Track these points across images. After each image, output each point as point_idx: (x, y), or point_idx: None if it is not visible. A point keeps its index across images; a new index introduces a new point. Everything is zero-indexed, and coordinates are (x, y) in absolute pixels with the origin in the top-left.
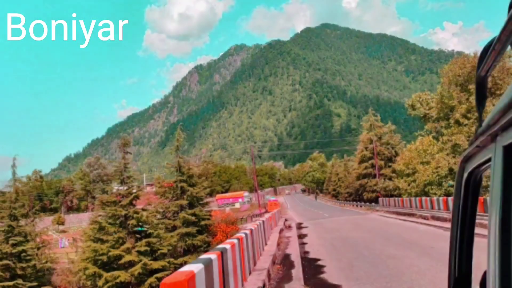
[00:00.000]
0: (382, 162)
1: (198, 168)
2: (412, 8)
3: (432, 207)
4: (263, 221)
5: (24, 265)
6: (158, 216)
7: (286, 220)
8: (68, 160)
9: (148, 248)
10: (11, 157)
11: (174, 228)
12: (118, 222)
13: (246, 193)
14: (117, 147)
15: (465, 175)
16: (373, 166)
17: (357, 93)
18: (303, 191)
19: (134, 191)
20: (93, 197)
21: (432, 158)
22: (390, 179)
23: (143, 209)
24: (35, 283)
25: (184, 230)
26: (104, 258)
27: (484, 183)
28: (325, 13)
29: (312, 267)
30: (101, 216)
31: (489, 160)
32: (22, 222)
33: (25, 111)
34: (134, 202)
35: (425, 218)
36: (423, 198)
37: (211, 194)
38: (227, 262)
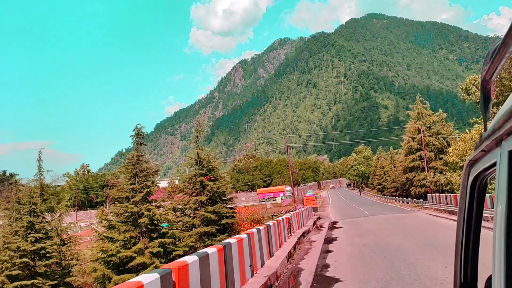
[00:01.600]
0: (432, 154)
1: (240, 161)
2: None
3: (493, 206)
4: (268, 226)
5: (43, 263)
6: (178, 213)
7: (318, 218)
8: (120, 155)
9: (161, 249)
10: (74, 153)
11: (193, 227)
12: (130, 220)
13: (288, 187)
14: (165, 142)
15: (471, 179)
16: (421, 158)
17: (405, 83)
18: (348, 185)
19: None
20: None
21: None
22: (441, 172)
23: (157, 206)
24: (55, 282)
25: (203, 229)
26: (115, 259)
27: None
28: (371, 3)
29: None
30: (112, 213)
31: (494, 164)
32: (48, 217)
33: (83, 109)
34: (149, 198)
35: (485, 219)
36: None
37: (252, 188)
38: None
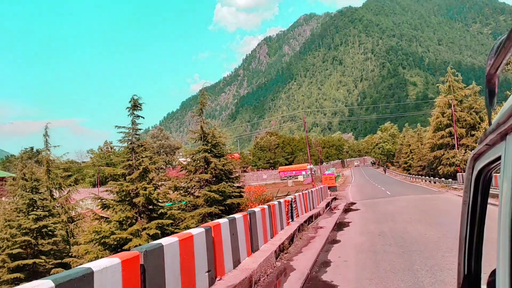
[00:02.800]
0: (463, 130)
1: (262, 138)
2: None
3: None
4: (250, 214)
5: (46, 241)
6: (182, 192)
7: (334, 199)
8: (146, 132)
9: (158, 231)
10: (104, 131)
11: (197, 207)
12: (127, 199)
13: (310, 166)
14: (190, 120)
15: (475, 173)
16: (451, 134)
17: (436, 59)
18: (373, 163)
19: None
20: (157, 168)
21: None
22: (472, 150)
23: (156, 185)
24: (59, 261)
25: (205, 209)
26: (109, 241)
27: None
28: None
29: None
30: (108, 191)
31: (498, 158)
32: (56, 194)
33: (112, 87)
34: (149, 175)
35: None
36: None
37: (274, 166)
38: None
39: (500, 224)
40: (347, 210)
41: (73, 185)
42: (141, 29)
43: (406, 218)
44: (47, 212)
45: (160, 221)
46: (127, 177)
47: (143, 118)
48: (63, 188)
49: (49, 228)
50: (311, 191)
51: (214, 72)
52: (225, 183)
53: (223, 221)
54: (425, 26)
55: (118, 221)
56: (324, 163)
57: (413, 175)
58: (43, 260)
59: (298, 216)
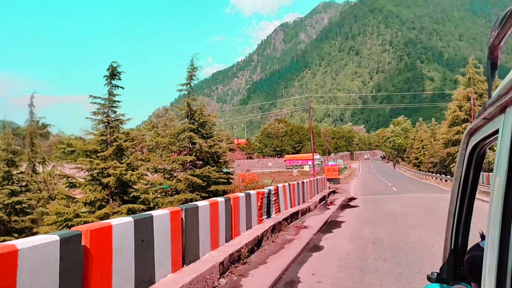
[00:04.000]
0: None
1: (270, 125)
2: None
3: None
4: (184, 210)
5: (20, 218)
6: (166, 175)
7: (333, 192)
8: (157, 114)
9: (132, 206)
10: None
11: (178, 192)
12: (99, 178)
13: (317, 156)
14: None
15: (469, 148)
16: None
17: (455, 55)
18: (383, 157)
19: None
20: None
21: None
22: (490, 148)
23: (130, 165)
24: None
25: (185, 196)
26: (73, 224)
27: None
28: None
29: None
30: (78, 169)
31: (495, 132)
32: (40, 169)
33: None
34: (128, 153)
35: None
36: None
37: (280, 154)
38: None
39: (493, 193)
40: (344, 206)
41: (60, 160)
42: (157, 9)
43: (410, 221)
44: (23, 188)
45: (131, 205)
46: (99, 154)
47: (123, 88)
48: (47, 163)
49: (23, 205)
50: (302, 182)
51: (228, 56)
52: (209, 167)
53: (123, 220)
54: (447, 20)
55: (86, 203)
56: (332, 154)
57: (424, 172)
58: (14, 238)
59: (278, 211)
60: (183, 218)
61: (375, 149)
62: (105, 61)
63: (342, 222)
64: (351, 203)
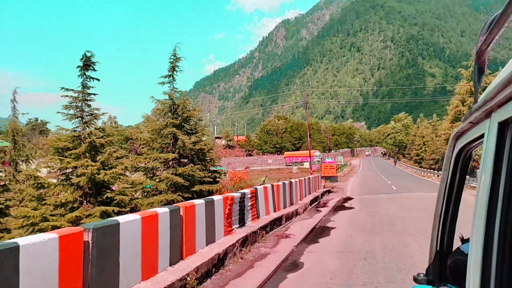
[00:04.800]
0: None
1: (269, 121)
2: None
3: None
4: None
5: (3, 220)
6: (148, 174)
7: (328, 191)
8: (155, 111)
9: (105, 208)
10: (120, 107)
11: (160, 192)
12: (71, 178)
13: (317, 152)
14: (203, 100)
15: (456, 151)
16: None
17: (457, 51)
18: (384, 154)
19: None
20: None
21: None
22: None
23: (104, 163)
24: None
25: (166, 196)
26: (40, 227)
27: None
28: None
29: None
30: (49, 167)
31: (481, 136)
32: (23, 167)
33: (126, 63)
34: (105, 150)
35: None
36: None
37: (280, 151)
38: None
39: (478, 197)
40: (338, 208)
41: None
42: (158, 7)
43: (410, 228)
44: (1, 188)
45: (105, 208)
46: (71, 152)
47: (98, 80)
48: (31, 161)
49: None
50: (290, 182)
51: (229, 53)
52: (192, 165)
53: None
54: (449, 16)
55: (57, 205)
56: (332, 151)
57: (425, 169)
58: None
59: (256, 218)
60: (90, 242)
61: (376, 146)
62: (102, 57)
63: (332, 228)
64: (346, 204)
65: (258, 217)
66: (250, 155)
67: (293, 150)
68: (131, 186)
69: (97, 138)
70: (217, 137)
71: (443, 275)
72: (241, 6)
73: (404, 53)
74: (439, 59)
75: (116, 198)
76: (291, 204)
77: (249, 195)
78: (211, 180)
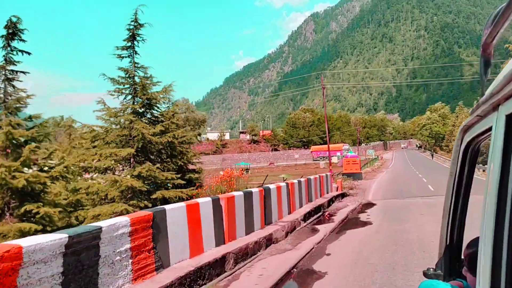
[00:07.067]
0: None
1: (296, 115)
2: None
3: None
4: None
5: None
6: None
7: (343, 195)
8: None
9: (23, 226)
10: None
11: (112, 200)
12: None
13: (346, 146)
14: (233, 96)
15: (464, 144)
16: None
17: None
18: (419, 147)
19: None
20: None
21: None
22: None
23: (26, 163)
24: None
25: (115, 207)
26: None
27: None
28: None
29: None
30: None
31: (489, 129)
32: None
33: (156, 60)
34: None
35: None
36: None
37: (307, 145)
38: None
39: (486, 191)
40: (348, 222)
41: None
42: (187, 5)
43: None
44: None
45: (23, 225)
46: None
47: (29, 54)
48: None
49: None
50: (268, 189)
51: (259, 49)
52: (150, 164)
53: None
54: (485, 2)
55: None
56: (363, 144)
57: None
58: None
59: (151, 273)
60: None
61: (411, 138)
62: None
63: (318, 276)
64: (362, 216)
65: (156, 269)
66: (276, 150)
67: (320, 144)
68: (76, 192)
69: (25, 130)
70: (242, 132)
71: (453, 269)
72: (270, 2)
73: (439, 42)
74: (476, 47)
75: (40, 211)
76: (266, 224)
77: (127, 229)
78: (183, 182)
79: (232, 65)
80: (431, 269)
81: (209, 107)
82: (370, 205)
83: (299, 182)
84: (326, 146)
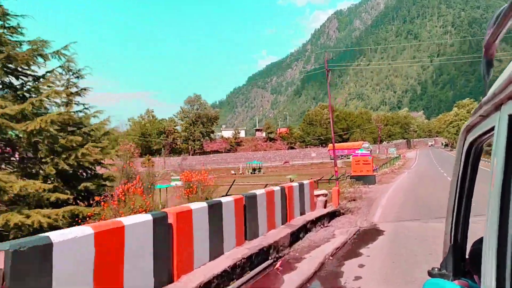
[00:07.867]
0: None
1: (314, 111)
2: None
3: None
4: None
5: None
6: None
7: (335, 214)
8: (213, 106)
9: None
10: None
11: None
12: None
13: (366, 144)
14: (255, 95)
15: (467, 144)
16: None
17: None
18: (445, 145)
19: None
20: (193, 140)
21: None
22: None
23: None
24: None
25: None
26: None
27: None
28: None
29: None
30: None
31: (491, 129)
32: None
33: (181, 61)
34: None
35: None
36: None
37: (325, 143)
38: None
39: (490, 191)
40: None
41: None
42: (210, 3)
43: None
44: None
45: None
46: None
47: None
48: None
49: None
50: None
51: (281, 48)
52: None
53: None
54: None
55: None
56: (384, 142)
57: None
58: None
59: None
60: None
61: (436, 136)
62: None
63: None
64: (348, 268)
65: None
66: (292, 148)
67: (339, 142)
68: None
69: None
70: (258, 130)
71: (457, 268)
72: (293, 0)
73: (466, 38)
74: (505, 42)
75: None
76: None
77: None
78: (77, 196)
79: (255, 64)
80: (436, 269)
81: (232, 106)
82: (372, 234)
83: (227, 203)
84: (345, 144)
